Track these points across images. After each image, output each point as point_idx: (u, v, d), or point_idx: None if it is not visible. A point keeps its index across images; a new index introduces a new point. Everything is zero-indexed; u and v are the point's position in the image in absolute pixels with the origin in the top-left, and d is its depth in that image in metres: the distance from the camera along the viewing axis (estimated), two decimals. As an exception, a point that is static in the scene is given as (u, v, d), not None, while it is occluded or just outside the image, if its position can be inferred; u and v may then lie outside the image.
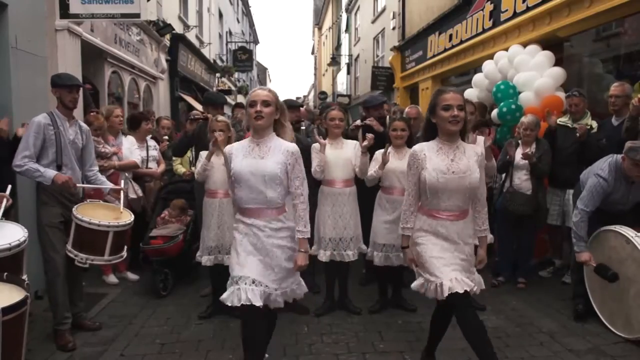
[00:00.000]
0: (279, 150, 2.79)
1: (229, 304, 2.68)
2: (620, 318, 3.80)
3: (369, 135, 4.03)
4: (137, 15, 6.01)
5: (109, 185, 4.11)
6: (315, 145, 4.23)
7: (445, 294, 2.66)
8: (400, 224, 2.96)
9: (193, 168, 5.06)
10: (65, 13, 5.74)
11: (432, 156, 2.79)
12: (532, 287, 4.95)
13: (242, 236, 2.80)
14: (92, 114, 5.21)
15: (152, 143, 5.76)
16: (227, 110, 16.43)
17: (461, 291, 2.65)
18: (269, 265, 2.77)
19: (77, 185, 3.72)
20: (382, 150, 4.13)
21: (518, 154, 4.94)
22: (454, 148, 2.80)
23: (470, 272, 2.87)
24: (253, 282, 2.68)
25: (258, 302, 2.62)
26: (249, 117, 2.80)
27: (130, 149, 5.26)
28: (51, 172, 3.60)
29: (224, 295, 2.74)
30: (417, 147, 2.87)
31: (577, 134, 4.77)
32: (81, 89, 4.13)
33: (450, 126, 2.74)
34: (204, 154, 4.13)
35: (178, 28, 12.35)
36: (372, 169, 4.09)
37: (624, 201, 3.99)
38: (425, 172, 2.76)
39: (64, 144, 3.73)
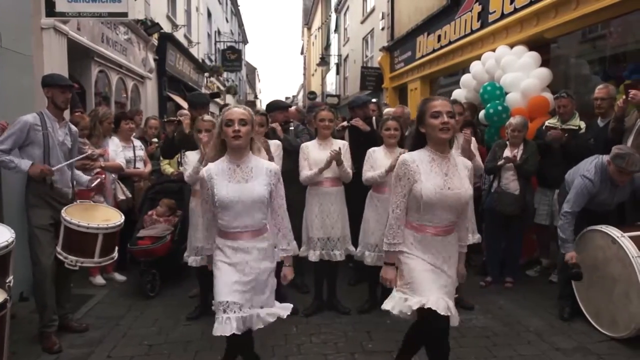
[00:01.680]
0: (262, 171, 2.74)
1: (219, 334, 2.66)
2: (606, 317, 3.84)
3: (336, 148, 4.01)
4: (125, 14, 5.97)
5: (86, 177, 4.08)
6: (304, 147, 4.22)
7: (425, 306, 2.51)
8: (385, 240, 2.71)
9: (181, 168, 5.04)
10: (51, 11, 5.67)
11: (425, 168, 2.60)
12: (519, 287, 4.98)
13: (225, 265, 2.72)
14: (76, 113, 5.16)
15: (137, 143, 5.71)
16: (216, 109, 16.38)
17: (443, 313, 2.50)
18: (253, 287, 2.71)
19: (54, 168, 3.62)
20: (375, 149, 4.15)
21: (505, 155, 4.98)
22: (446, 161, 2.64)
23: (452, 297, 2.70)
24: (233, 311, 2.65)
25: (238, 331, 2.62)
26: (225, 136, 2.69)
27: (115, 150, 5.21)
28: (26, 164, 3.55)
29: (214, 330, 2.69)
30: (407, 156, 2.66)
31: (548, 139, 4.90)
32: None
33: (441, 134, 2.55)
34: (189, 154, 4.11)
35: (166, 27, 12.28)
36: (371, 171, 4.07)
37: (609, 202, 4.03)
38: (421, 186, 2.56)
39: (52, 145, 3.67)
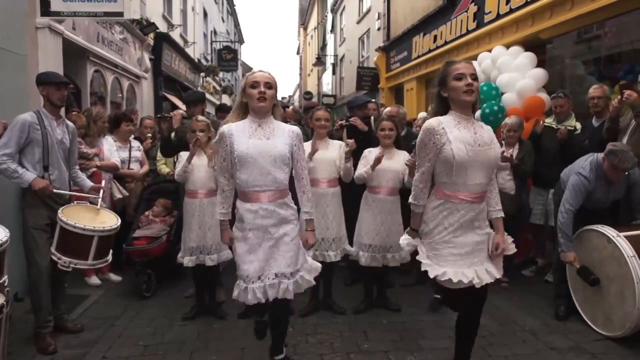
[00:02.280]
0: (283, 132, 2.72)
1: (242, 301, 2.71)
2: (601, 316, 3.86)
3: (350, 141, 4.02)
4: (120, 14, 5.94)
5: (89, 183, 4.05)
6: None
7: (450, 284, 2.59)
8: (411, 200, 2.64)
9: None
10: (46, 11, 5.64)
11: (452, 129, 2.52)
12: (515, 286, 4.99)
13: (244, 232, 2.71)
14: (74, 113, 5.15)
15: (135, 144, 5.69)
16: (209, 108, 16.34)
17: (465, 282, 2.57)
18: (277, 253, 2.70)
19: (55, 190, 3.61)
20: (371, 149, 4.15)
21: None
22: (471, 122, 2.59)
23: (485, 261, 2.73)
24: (259, 278, 2.67)
25: (263, 299, 2.66)
26: (249, 98, 2.67)
27: (110, 150, 5.19)
28: (29, 176, 3.51)
29: (234, 294, 2.74)
30: (432, 121, 2.57)
31: (559, 136, 4.84)
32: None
33: (465, 96, 2.50)
34: (184, 154, 4.12)
35: (162, 27, 12.26)
36: (362, 168, 4.09)
37: (605, 199, 4.05)
38: (451, 146, 2.48)
39: (50, 144, 3.65)
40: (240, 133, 2.67)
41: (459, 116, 2.58)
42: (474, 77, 2.53)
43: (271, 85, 2.68)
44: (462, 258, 2.63)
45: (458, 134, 2.52)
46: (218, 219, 2.89)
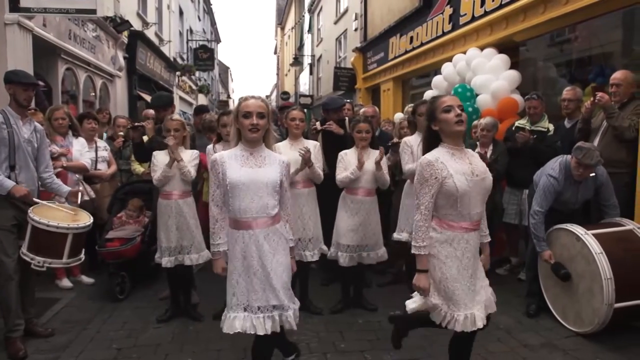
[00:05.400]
0: (275, 161, 2.76)
1: (227, 332, 2.65)
2: (571, 313, 3.94)
3: (304, 148, 3.95)
4: (93, 11, 5.85)
5: (66, 189, 3.96)
6: (274, 147, 4.19)
7: (459, 329, 2.59)
8: (414, 243, 2.60)
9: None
10: (15, 6, 5.51)
11: (450, 162, 2.55)
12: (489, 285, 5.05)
13: (234, 266, 2.68)
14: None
15: (101, 144, 5.54)
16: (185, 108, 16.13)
17: (471, 328, 2.60)
18: (263, 282, 2.65)
19: (35, 199, 3.56)
20: (346, 151, 4.16)
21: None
22: (463, 153, 2.63)
23: (485, 291, 2.79)
24: (245, 310, 2.64)
25: (242, 330, 2.62)
26: (241, 127, 2.69)
27: (80, 151, 5.01)
28: (9, 183, 3.47)
29: (222, 324, 2.69)
30: (429, 156, 2.57)
31: (519, 139, 4.93)
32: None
33: (456, 127, 2.54)
34: (158, 154, 4.08)
35: (136, 25, 12.09)
36: (346, 172, 4.08)
37: (574, 200, 4.13)
38: (453, 179, 2.50)
39: (17, 143, 3.58)
40: (232, 161, 2.69)
41: (452, 148, 2.61)
42: (462, 108, 2.58)
43: (264, 114, 2.68)
44: (472, 295, 2.67)
45: (457, 167, 2.55)
46: (212, 250, 2.81)
